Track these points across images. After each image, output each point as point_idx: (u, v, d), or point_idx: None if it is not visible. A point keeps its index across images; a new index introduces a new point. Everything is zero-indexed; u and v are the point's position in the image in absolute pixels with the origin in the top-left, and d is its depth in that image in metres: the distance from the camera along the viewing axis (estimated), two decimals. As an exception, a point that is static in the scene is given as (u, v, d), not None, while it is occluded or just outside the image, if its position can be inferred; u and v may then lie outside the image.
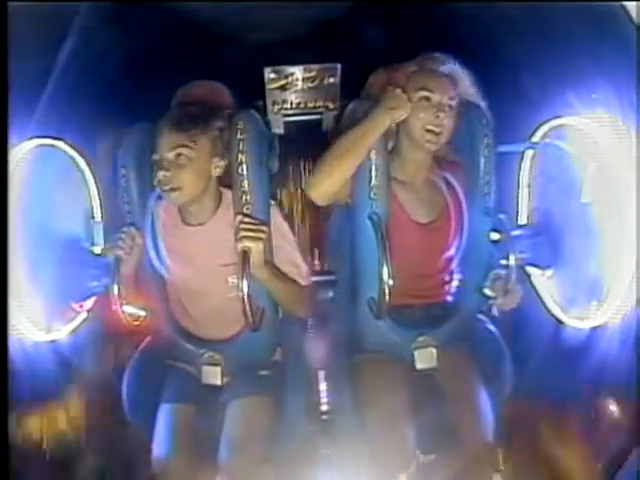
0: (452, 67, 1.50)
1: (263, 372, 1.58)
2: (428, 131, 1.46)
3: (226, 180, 1.49)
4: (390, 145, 1.53)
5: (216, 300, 1.51)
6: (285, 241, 1.52)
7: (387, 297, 1.39)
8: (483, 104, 1.56)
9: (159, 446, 1.44)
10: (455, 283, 1.62)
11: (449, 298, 1.63)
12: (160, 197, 1.46)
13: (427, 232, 1.54)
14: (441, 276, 1.59)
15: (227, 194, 1.51)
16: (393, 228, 1.48)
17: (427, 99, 1.46)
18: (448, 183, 1.56)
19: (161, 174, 1.38)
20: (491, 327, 1.66)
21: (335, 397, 1.74)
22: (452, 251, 1.57)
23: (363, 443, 1.49)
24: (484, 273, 1.56)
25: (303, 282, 1.53)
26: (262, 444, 1.45)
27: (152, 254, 1.49)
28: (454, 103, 1.47)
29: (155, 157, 1.40)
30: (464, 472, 1.43)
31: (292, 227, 1.63)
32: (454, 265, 1.59)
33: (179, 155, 1.38)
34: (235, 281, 1.43)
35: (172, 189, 1.39)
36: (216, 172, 1.45)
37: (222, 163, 1.44)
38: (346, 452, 1.61)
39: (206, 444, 1.47)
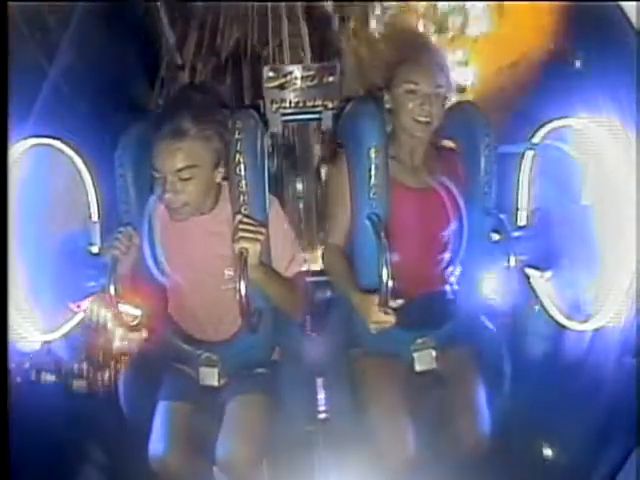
0: (438, 57, 1.50)
1: (260, 370, 1.58)
2: (417, 121, 1.47)
3: (225, 173, 1.47)
4: (389, 129, 1.53)
5: (212, 293, 1.50)
6: (282, 237, 1.51)
7: (386, 298, 1.38)
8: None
9: (156, 444, 1.44)
10: (453, 279, 1.62)
11: (449, 295, 1.62)
12: (160, 198, 1.43)
13: (421, 197, 1.54)
14: (440, 258, 1.57)
15: (226, 186, 1.49)
16: (392, 204, 1.48)
17: (413, 91, 1.46)
18: (447, 190, 1.55)
19: (167, 196, 1.38)
20: (491, 327, 1.66)
21: (333, 397, 1.73)
22: (452, 226, 1.54)
23: (361, 443, 1.49)
24: (484, 273, 1.55)
25: (289, 274, 1.51)
26: (259, 443, 1.45)
27: (149, 254, 1.48)
28: (442, 91, 1.47)
29: (156, 175, 1.38)
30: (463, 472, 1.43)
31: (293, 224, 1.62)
32: (453, 259, 1.58)
33: (182, 176, 1.36)
34: (231, 273, 1.43)
35: (180, 206, 1.39)
36: (219, 178, 1.44)
37: (224, 169, 1.43)
38: (344, 452, 1.61)
39: (203, 442, 1.47)
